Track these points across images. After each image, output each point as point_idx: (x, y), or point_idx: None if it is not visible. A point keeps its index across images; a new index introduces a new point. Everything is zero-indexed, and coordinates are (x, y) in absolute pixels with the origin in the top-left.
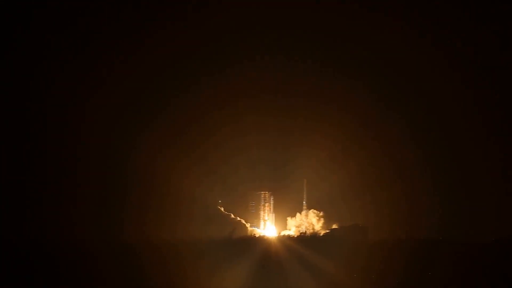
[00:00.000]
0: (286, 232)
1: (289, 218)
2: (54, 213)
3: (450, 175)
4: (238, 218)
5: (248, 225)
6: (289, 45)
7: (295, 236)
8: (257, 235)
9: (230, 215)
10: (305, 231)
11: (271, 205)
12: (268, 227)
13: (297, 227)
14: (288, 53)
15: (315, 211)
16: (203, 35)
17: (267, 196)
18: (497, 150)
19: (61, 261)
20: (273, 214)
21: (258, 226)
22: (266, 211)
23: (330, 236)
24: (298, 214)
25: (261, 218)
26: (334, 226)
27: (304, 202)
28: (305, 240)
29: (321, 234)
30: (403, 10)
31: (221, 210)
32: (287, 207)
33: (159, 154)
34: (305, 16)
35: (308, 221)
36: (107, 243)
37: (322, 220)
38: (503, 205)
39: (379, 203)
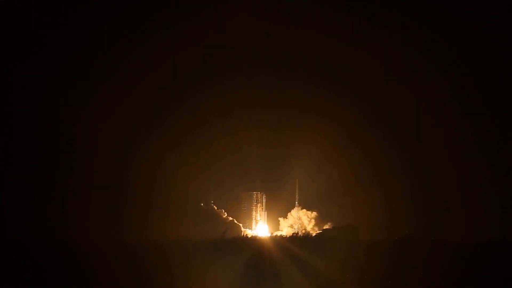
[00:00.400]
0: (278, 233)
1: (281, 219)
2: (58, 213)
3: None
4: (231, 218)
5: (241, 225)
6: (283, 65)
7: (287, 236)
8: (249, 236)
9: (223, 213)
10: (297, 232)
11: (264, 205)
12: (260, 227)
13: (289, 227)
14: (281, 72)
15: (306, 211)
16: (207, 49)
17: (259, 197)
18: (474, 154)
19: (64, 260)
20: (265, 212)
21: (250, 227)
22: (258, 211)
23: (322, 236)
24: (290, 215)
25: (253, 219)
26: (326, 227)
27: (296, 203)
28: (297, 240)
29: (313, 235)
30: (384, 27)
31: (214, 208)
32: (279, 208)
33: (160, 157)
34: (295, 39)
35: (300, 222)
36: (108, 242)
37: (313, 221)
38: (484, 206)
39: (371, 203)
